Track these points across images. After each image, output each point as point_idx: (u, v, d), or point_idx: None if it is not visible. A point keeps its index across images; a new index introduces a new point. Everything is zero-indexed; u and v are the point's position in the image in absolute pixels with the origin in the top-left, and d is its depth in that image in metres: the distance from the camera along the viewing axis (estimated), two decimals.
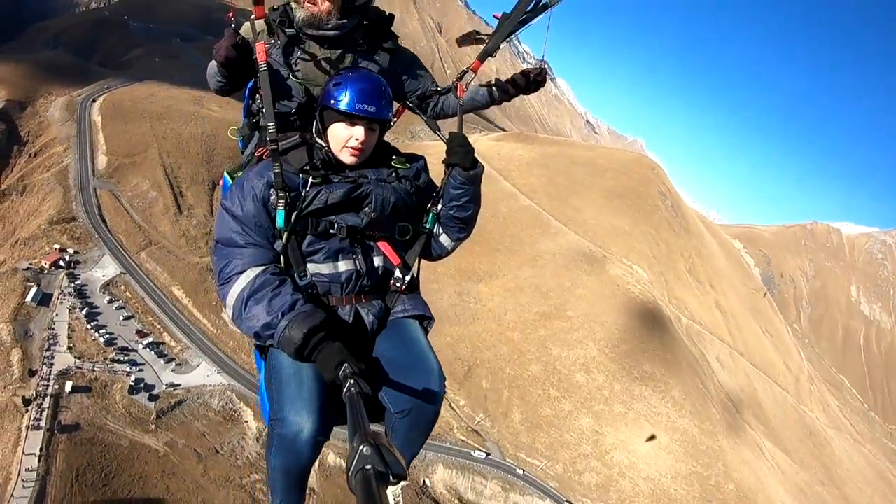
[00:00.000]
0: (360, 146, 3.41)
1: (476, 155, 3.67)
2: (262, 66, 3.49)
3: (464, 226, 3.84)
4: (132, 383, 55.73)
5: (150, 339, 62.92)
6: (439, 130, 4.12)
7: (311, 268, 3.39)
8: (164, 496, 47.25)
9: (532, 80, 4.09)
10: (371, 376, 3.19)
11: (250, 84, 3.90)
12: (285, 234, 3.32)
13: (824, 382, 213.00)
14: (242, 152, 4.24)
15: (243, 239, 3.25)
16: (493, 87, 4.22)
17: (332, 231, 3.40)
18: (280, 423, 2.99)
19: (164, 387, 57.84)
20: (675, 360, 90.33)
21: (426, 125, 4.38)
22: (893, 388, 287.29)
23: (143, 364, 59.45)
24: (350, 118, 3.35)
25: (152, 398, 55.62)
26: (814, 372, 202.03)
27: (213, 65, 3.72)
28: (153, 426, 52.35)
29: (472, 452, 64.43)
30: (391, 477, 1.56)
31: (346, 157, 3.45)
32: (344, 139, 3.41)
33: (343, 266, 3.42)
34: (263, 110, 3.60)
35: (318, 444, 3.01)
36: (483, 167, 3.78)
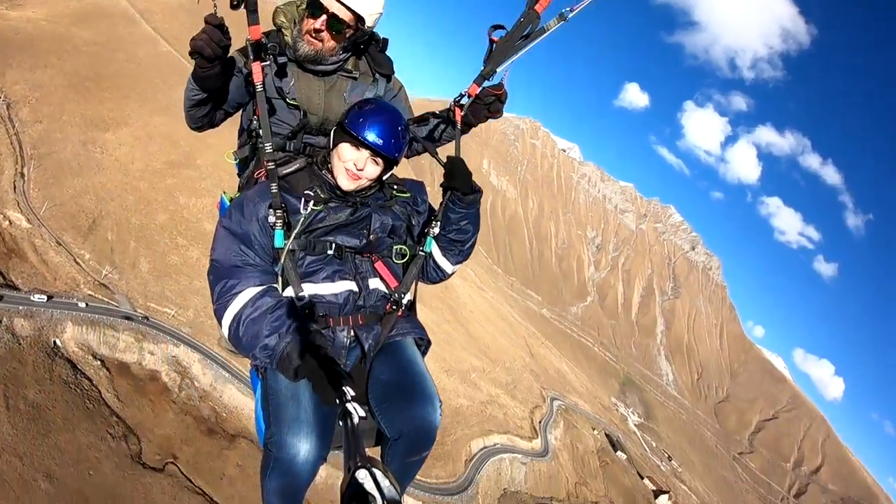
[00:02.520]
0: (357, 172, 3.39)
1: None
2: (259, 87, 3.27)
3: (463, 248, 3.83)
4: None
5: None
6: (436, 154, 4.08)
7: (309, 288, 3.32)
8: None
9: (494, 100, 3.84)
10: (367, 400, 3.29)
11: (245, 107, 3.86)
12: (283, 255, 3.26)
13: None
14: (239, 175, 4.15)
15: (241, 259, 3.20)
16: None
17: (329, 252, 3.38)
18: (277, 445, 2.90)
19: None
20: (234, 130, 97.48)
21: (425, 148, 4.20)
22: (514, 247, 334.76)
23: None
24: (357, 143, 3.35)
25: None
26: None
27: (189, 81, 3.38)
28: None
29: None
30: (385, 503, 1.55)
31: (343, 179, 3.43)
32: (346, 160, 3.39)
33: (340, 287, 3.38)
34: (261, 131, 3.43)
35: (315, 467, 2.95)
36: (482, 192, 3.74)
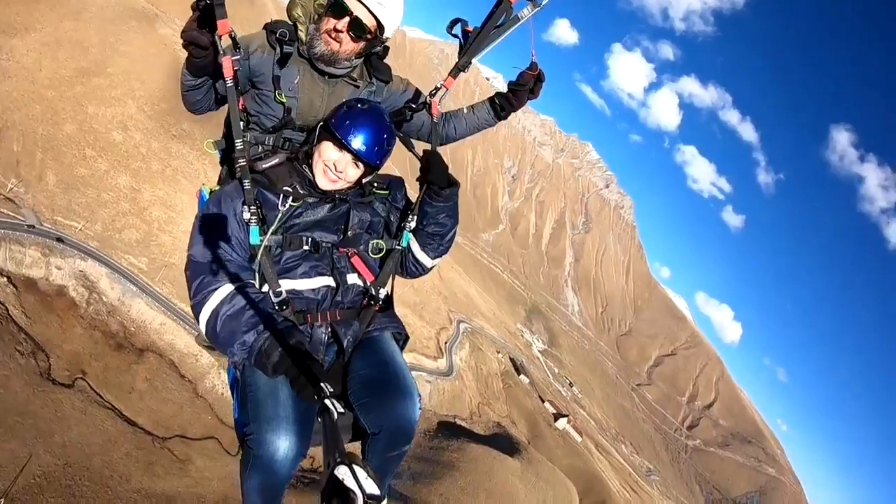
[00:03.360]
0: (336, 174, 3.40)
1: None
2: (229, 82, 3.19)
3: (442, 241, 3.81)
4: None
5: None
6: (413, 147, 4.08)
7: (286, 284, 3.32)
8: None
9: (535, 82, 3.92)
10: (346, 396, 3.25)
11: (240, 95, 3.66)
12: (260, 251, 3.24)
13: None
14: (221, 164, 4.02)
15: (219, 254, 3.18)
16: (496, 102, 4.13)
17: (306, 247, 3.37)
18: (256, 442, 2.86)
19: None
20: (217, 117, 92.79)
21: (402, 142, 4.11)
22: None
23: None
24: (340, 145, 3.33)
25: None
26: None
27: (183, 72, 3.33)
28: None
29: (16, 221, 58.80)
30: (366, 498, 1.53)
31: (321, 178, 3.44)
32: (326, 160, 3.39)
33: (318, 283, 3.38)
34: (247, 124, 3.57)
35: (295, 463, 2.92)
36: (459, 184, 3.74)
